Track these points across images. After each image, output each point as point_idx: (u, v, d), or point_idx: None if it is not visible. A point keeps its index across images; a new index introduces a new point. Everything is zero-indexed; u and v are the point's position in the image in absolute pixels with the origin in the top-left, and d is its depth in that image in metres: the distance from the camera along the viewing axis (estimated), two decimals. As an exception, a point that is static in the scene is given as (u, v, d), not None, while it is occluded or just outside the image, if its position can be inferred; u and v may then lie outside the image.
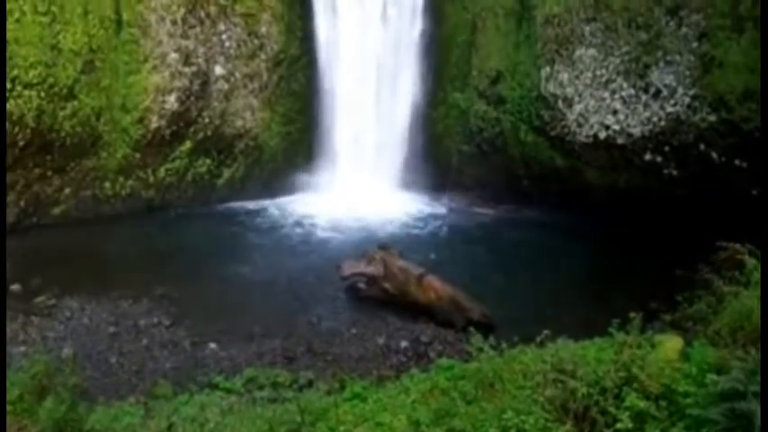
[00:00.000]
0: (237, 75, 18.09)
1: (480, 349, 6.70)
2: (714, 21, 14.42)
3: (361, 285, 12.68)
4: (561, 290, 12.99)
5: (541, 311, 11.38)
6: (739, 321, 6.78)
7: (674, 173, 15.33)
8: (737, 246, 8.38)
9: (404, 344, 10.95)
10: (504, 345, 6.73)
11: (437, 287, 11.81)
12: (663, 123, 15.15)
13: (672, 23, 14.90)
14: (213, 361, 10.42)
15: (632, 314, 6.42)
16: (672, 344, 6.46)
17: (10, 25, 13.81)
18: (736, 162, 14.37)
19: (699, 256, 8.99)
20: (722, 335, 6.72)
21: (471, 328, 9.81)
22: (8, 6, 13.76)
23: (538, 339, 6.57)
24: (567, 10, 16.07)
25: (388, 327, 11.48)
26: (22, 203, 15.01)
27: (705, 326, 7.54)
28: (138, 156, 16.78)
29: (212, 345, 10.84)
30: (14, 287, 12.33)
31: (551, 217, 16.84)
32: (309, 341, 10.96)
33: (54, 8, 14.61)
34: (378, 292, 12.40)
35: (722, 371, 5.40)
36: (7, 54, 13.79)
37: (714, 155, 14.68)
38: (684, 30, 14.77)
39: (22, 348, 10.24)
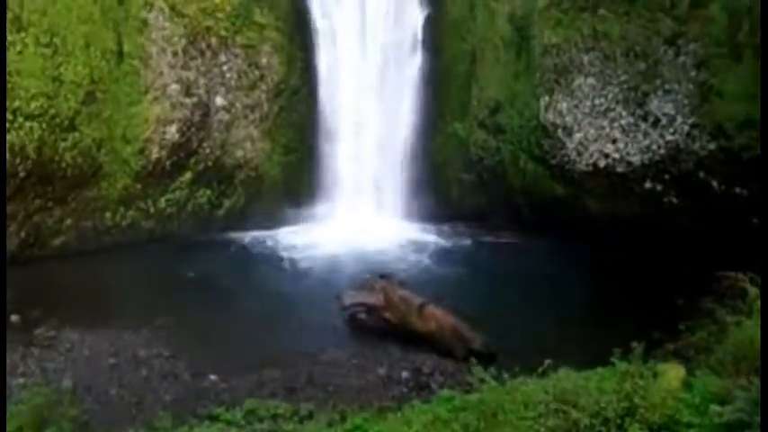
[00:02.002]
0: (238, 105, 18.18)
1: (482, 380, 6.66)
2: (712, 49, 14.50)
3: (362, 315, 12.62)
4: (562, 319, 12.91)
5: (543, 340, 11.30)
6: (742, 351, 6.73)
7: (675, 201, 15.34)
8: (739, 275, 8.35)
9: (405, 374, 10.85)
10: (505, 375, 6.69)
11: (438, 317, 11.74)
12: (662, 152, 15.19)
13: (670, 52, 14.99)
14: (213, 392, 10.33)
15: (634, 343, 6.38)
16: (674, 373, 6.41)
17: (13, 57, 13.89)
18: (737, 190, 14.37)
19: (700, 284, 8.96)
20: (725, 364, 6.68)
21: (472, 359, 9.76)
22: (11, 39, 13.85)
23: (539, 369, 6.53)
24: (566, 40, 16.17)
25: (389, 357, 11.40)
26: (22, 234, 14.99)
27: (708, 355, 7.49)
28: (138, 186, 16.80)
29: (212, 376, 10.75)
30: (14, 318, 12.27)
31: (552, 245, 16.80)
32: (310, 372, 10.87)
33: (56, 40, 14.70)
34: (378, 322, 12.33)
35: (725, 401, 5.36)
36: (9, 86, 13.86)
37: (714, 183, 14.69)
38: (682, 59, 14.86)
39: (22, 380, 10.15)
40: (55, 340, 11.74)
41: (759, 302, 7.66)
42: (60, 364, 11.00)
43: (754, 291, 8.00)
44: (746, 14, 14.20)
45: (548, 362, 6.54)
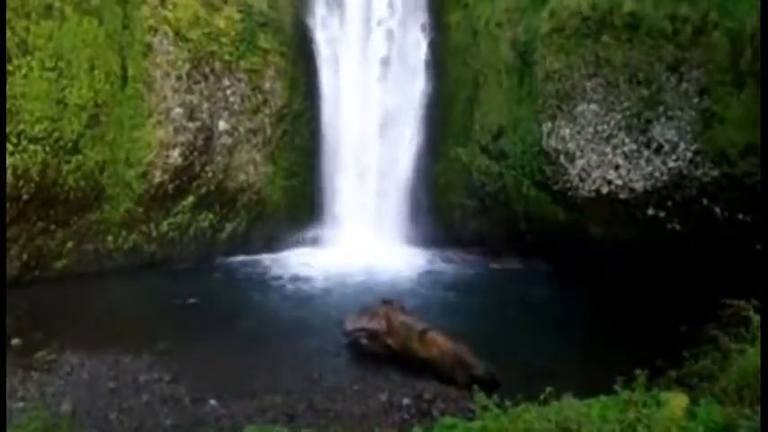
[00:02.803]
0: (241, 129, 18.25)
1: (484, 407, 6.61)
2: (714, 76, 14.54)
3: (364, 341, 12.55)
4: (565, 345, 12.85)
5: (545, 367, 11.24)
6: (746, 379, 6.69)
7: (678, 227, 15.31)
8: (742, 302, 8.31)
9: (406, 401, 10.78)
10: (508, 402, 6.64)
11: (440, 343, 11.68)
12: (665, 178, 15.18)
13: (672, 79, 15.02)
14: (213, 418, 10.26)
15: (637, 371, 6.35)
16: (678, 401, 6.36)
17: (18, 80, 13.95)
18: (740, 216, 14.34)
19: (703, 311, 8.91)
20: (729, 393, 6.63)
21: (475, 385, 9.70)
22: (16, 62, 13.93)
23: (542, 397, 6.49)
24: (568, 66, 16.22)
25: (390, 383, 11.33)
26: (24, 257, 14.98)
27: (712, 383, 7.43)
28: (141, 210, 16.82)
29: (213, 401, 10.69)
30: (14, 342, 12.23)
31: (554, 271, 16.80)
32: (311, 398, 10.81)
33: (61, 64, 14.76)
34: (380, 347, 12.27)
35: (729, 430, 5.31)
36: (14, 109, 13.90)
37: (717, 210, 14.66)
38: (685, 85, 14.88)
39: (21, 404, 10.11)
40: (55, 364, 11.69)
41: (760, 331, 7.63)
42: (60, 388, 10.95)
43: (757, 318, 7.97)
44: (748, 42, 14.25)
45: (549, 389, 6.49)
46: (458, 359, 11.42)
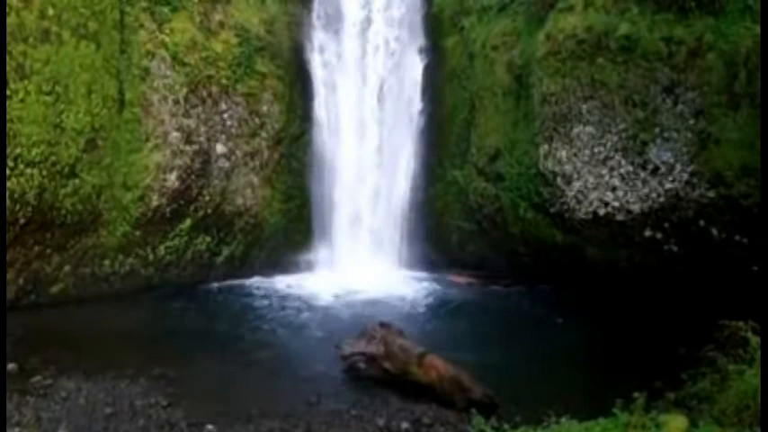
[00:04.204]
0: (238, 153, 18.26)
1: (483, 431, 6.59)
2: (710, 98, 14.65)
3: (361, 365, 12.49)
4: (563, 367, 12.82)
5: (544, 390, 11.21)
6: (745, 400, 6.68)
7: (675, 249, 15.33)
8: (740, 323, 8.32)
9: (405, 425, 10.71)
10: (506, 426, 6.61)
11: (438, 367, 11.63)
12: (662, 200, 15.23)
13: (668, 101, 15.12)
14: (210, 443, 10.21)
15: (636, 394, 6.33)
16: (677, 423, 6.35)
17: (15, 104, 13.95)
18: (737, 238, 14.39)
19: (702, 332, 8.91)
20: (728, 414, 6.63)
21: (473, 409, 9.67)
22: (13, 86, 13.93)
23: (541, 420, 6.46)
24: (564, 89, 16.29)
25: (388, 407, 11.26)
26: (20, 281, 14.93)
27: (710, 405, 7.43)
28: (137, 234, 16.79)
29: (210, 426, 10.61)
30: (11, 366, 12.14)
31: (552, 293, 16.78)
32: (308, 422, 10.74)
33: (58, 88, 14.78)
34: (378, 371, 12.21)
35: (729, 452, 5.30)
36: (11, 133, 13.88)
37: (714, 231, 14.71)
38: (681, 107, 14.98)
39: (17, 429, 10.04)
40: (51, 389, 11.61)
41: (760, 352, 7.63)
42: (56, 414, 10.87)
43: (755, 339, 7.97)
44: (743, 64, 14.37)
45: (549, 412, 6.47)
46: (456, 383, 11.37)
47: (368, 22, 19.85)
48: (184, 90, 17.09)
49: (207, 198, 17.72)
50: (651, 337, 13.51)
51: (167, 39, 16.89)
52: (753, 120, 13.78)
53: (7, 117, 13.74)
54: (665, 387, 9.45)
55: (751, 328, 8.16)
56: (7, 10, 13.74)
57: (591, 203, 16.12)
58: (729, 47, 14.58)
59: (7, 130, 13.77)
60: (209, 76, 17.52)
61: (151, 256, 17.19)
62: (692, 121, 14.87)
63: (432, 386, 11.55)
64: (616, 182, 15.76)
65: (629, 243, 15.92)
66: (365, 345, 12.49)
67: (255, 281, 18.37)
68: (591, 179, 16.07)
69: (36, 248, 15.06)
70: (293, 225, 19.63)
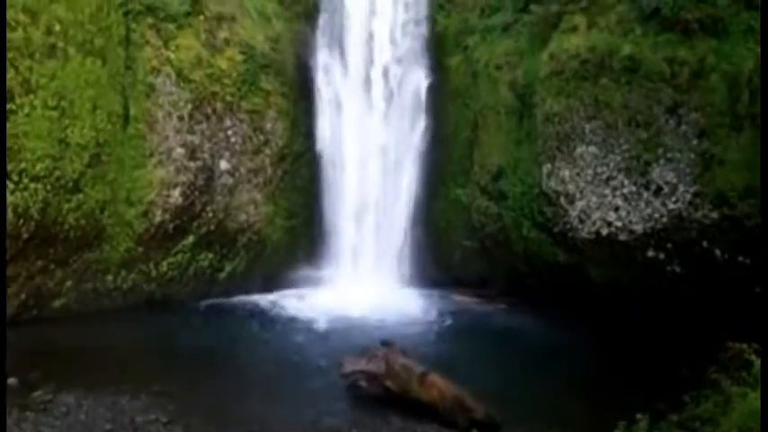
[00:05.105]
0: (242, 169, 18.29)
1: (484, 451, 6.57)
2: (713, 119, 14.68)
3: (363, 383, 12.46)
4: (566, 388, 12.79)
5: (546, 410, 11.19)
6: (747, 423, 6.66)
7: (678, 270, 15.30)
8: (743, 345, 8.30)
9: (406, 444, 10.72)
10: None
11: (440, 386, 11.60)
12: (665, 220, 15.22)
13: (671, 121, 15.14)
14: (210, 460, 10.19)
15: (639, 415, 6.31)
16: (680, 446, 6.33)
17: (20, 119, 14.00)
18: (740, 259, 14.36)
19: (704, 354, 8.88)
20: (731, 437, 6.60)
21: (475, 429, 9.64)
22: (19, 101, 13.99)
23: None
24: (568, 108, 16.33)
25: (389, 427, 11.24)
26: (22, 296, 14.92)
27: (713, 427, 7.41)
28: (140, 249, 16.79)
29: (210, 443, 10.62)
30: (11, 381, 12.12)
31: (554, 312, 16.73)
32: (309, 440, 10.73)
33: (64, 103, 14.83)
34: (379, 390, 12.18)
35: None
36: (16, 147, 13.93)
37: (717, 252, 14.68)
38: (684, 128, 15.00)
39: (16, 445, 10.05)
40: (51, 404, 11.59)
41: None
42: (56, 429, 10.84)
43: (758, 362, 7.95)
44: (746, 85, 14.40)
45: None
46: (458, 402, 11.35)
47: (372, 40, 19.95)
48: (189, 106, 17.14)
49: (210, 214, 17.73)
50: (654, 358, 13.48)
51: (173, 55, 16.97)
52: (755, 140, 13.81)
53: (12, 132, 13.80)
54: (667, 408, 9.40)
55: (754, 351, 8.14)
56: (14, 25, 13.84)
57: (594, 223, 16.11)
58: (732, 68, 14.63)
59: (12, 144, 13.83)
60: (214, 93, 17.57)
61: (154, 272, 17.18)
62: (694, 142, 14.89)
63: (433, 405, 11.52)
64: (619, 202, 15.76)
65: (632, 263, 15.90)
66: (366, 363, 12.45)
67: (257, 297, 18.35)
68: (594, 199, 16.07)
69: (39, 263, 15.07)
70: (296, 242, 19.64)
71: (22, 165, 14.09)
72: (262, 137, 18.59)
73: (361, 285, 18.63)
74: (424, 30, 20.13)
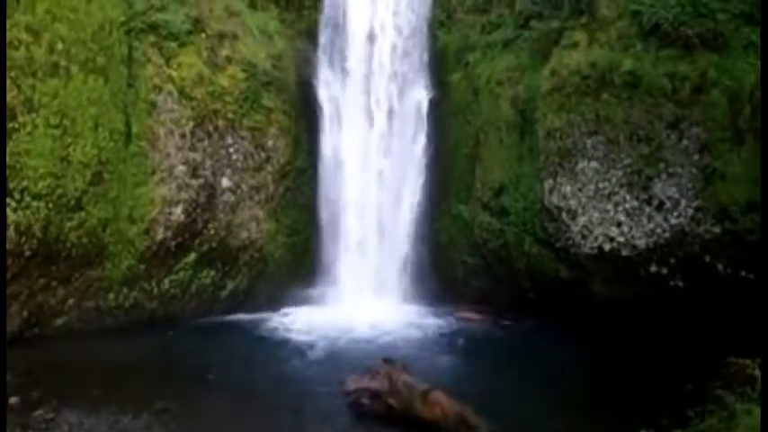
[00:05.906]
0: (244, 187, 18.30)
1: (487, 468, 6.52)
2: (714, 134, 14.69)
3: (365, 401, 12.39)
4: (569, 404, 12.73)
5: (549, 426, 11.13)
6: (753, 439, 6.62)
7: (681, 285, 15.27)
8: (747, 361, 8.26)
9: (409, 462, 10.67)
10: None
11: (443, 403, 11.54)
12: (667, 235, 15.20)
13: (673, 136, 15.16)
14: (212, 479, 10.13)
15: (642, 431, 6.27)
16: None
17: (22, 137, 14.04)
18: (742, 273, 14.33)
19: (708, 369, 8.83)
20: (735, 453, 6.56)
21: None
22: (21, 120, 14.04)
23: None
24: (569, 124, 16.36)
25: (392, 444, 11.22)
26: (24, 314, 14.90)
27: (718, 443, 7.36)
28: (142, 267, 16.78)
29: (212, 462, 10.57)
30: (13, 400, 12.08)
31: (557, 328, 16.67)
32: (311, 458, 10.69)
33: (66, 121, 14.88)
34: (382, 407, 12.11)
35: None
36: (18, 165, 13.97)
37: (720, 266, 14.66)
38: (685, 142, 15.02)
39: (17, 465, 10.00)
40: (53, 423, 11.54)
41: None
42: (57, 449, 10.83)
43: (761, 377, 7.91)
44: (747, 100, 14.42)
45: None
46: (461, 419, 11.28)
47: (373, 56, 20.03)
48: (191, 124, 17.18)
49: (212, 232, 17.73)
50: (657, 373, 13.42)
51: (174, 73, 17.03)
52: (757, 155, 13.81)
53: (15, 150, 13.84)
54: (671, 424, 9.34)
55: (758, 366, 8.10)
56: (17, 44, 13.91)
57: (596, 239, 16.10)
58: (733, 83, 14.66)
59: (14, 162, 13.86)
60: (216, 111, 17.61)
61: (156, 290, 17.17)
62: (696, 157, 14.90)
63: (436, 423, 11.46)
64: (621, 217, 15.75)
65: (635, 278, 15.86)
66: (369, 381, 12.41)
67: (259, 315, 18.30)
68: (596, 214, 16.07)
69: (41, 281, 15.06)
70: (298, 259, 19.62)
71: (24, 183, 14.11)
72: (263, 154, 18.62)
73: (364, 302, 18.60)
74: (425, 46, 20.17)
